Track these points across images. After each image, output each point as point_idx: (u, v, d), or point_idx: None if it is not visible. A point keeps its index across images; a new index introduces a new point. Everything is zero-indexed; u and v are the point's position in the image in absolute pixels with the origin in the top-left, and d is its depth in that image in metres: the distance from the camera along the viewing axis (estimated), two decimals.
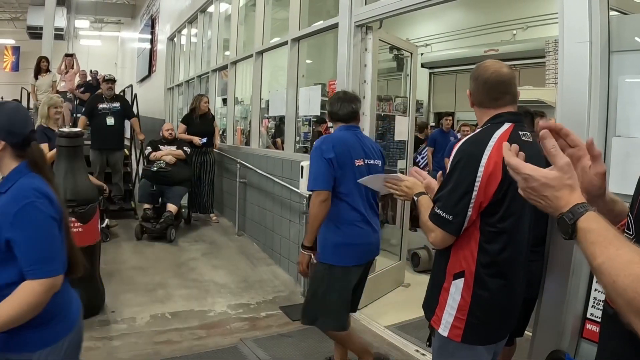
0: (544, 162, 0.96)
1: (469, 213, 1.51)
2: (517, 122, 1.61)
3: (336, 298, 2.43)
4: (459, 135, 6.28)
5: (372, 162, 2.49)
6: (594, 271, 0.80)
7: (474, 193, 1.49)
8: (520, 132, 1.58)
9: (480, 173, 1.49)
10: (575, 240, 0.85)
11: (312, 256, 2.43)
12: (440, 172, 1.74)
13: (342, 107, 2.51)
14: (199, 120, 6.04)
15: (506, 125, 1.58)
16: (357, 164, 2.41)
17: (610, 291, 0.77)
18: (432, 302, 1.66)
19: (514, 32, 7.61)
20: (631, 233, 0.92)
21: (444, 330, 1.60)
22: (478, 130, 1.64)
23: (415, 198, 1.74)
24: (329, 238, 2.42)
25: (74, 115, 8.27)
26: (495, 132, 1.55)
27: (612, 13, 1.98)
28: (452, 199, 1.52)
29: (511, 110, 1.64)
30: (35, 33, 13.56)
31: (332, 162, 2.33)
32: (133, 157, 7.30)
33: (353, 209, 2.39)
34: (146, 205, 5.52)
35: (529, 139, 1.58)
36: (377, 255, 2.64)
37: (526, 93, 5.62)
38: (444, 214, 1.53)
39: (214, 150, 6.21)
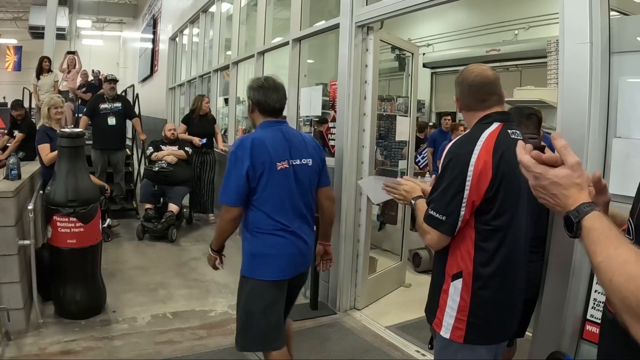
0: None
1: (462, 212, 1.52)
2: (506, 121, 1.62)
3: (258, 317, 2.10)
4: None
5: (298, 162, 2.13)
6: (594, 269, 0.81)
7: (466, 192, 1.51)
8: (509, 131, 1.59)
9: (470, 172, 1.50)
10: (579, 238, 0.86)
11: (214, 254, 2.36)
12: (434, 176, 1.75)
13: (269, 96, 2.10)
14: (199, 121, 6.05)
15: (495, 125, 1.59)
16: (279, 167, 2.05)
17: (607, 289, 0.78)
18: (433, 305, 1.66)
19: (516, 32, 7.59)
20: (631, 237, 0.92)
21: (445, 332, 1.60)
22: (467, 131, 1.65)
23: (413, 202, 1.75)
24: (246, 247, 2.18)
25: (76, 115, 8.30)
26: (483, 131, 1.57)
27: (612, 14, 1.98)
28: (444, 199, 1.54)
29: (498, 110, 1.65)
30: (37, 33, 13.61)
31: (247, 172, 2.00)
32: (135, 157, 7.31)
33: (271, 218, 2.08)
34: (148, 205, 5.52)
35: (518, 137, 1.59)
36: (307, 268, 2.30)
37: (528, 93, 5.60)
38: (437, 215, 1.55)
39: (217, 149, 6.21)
